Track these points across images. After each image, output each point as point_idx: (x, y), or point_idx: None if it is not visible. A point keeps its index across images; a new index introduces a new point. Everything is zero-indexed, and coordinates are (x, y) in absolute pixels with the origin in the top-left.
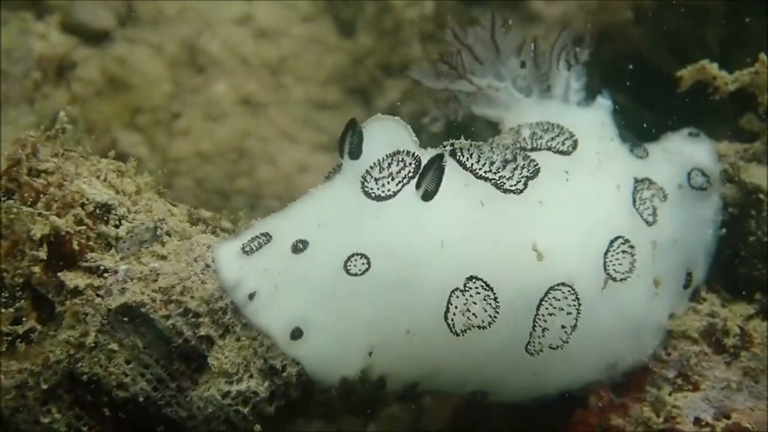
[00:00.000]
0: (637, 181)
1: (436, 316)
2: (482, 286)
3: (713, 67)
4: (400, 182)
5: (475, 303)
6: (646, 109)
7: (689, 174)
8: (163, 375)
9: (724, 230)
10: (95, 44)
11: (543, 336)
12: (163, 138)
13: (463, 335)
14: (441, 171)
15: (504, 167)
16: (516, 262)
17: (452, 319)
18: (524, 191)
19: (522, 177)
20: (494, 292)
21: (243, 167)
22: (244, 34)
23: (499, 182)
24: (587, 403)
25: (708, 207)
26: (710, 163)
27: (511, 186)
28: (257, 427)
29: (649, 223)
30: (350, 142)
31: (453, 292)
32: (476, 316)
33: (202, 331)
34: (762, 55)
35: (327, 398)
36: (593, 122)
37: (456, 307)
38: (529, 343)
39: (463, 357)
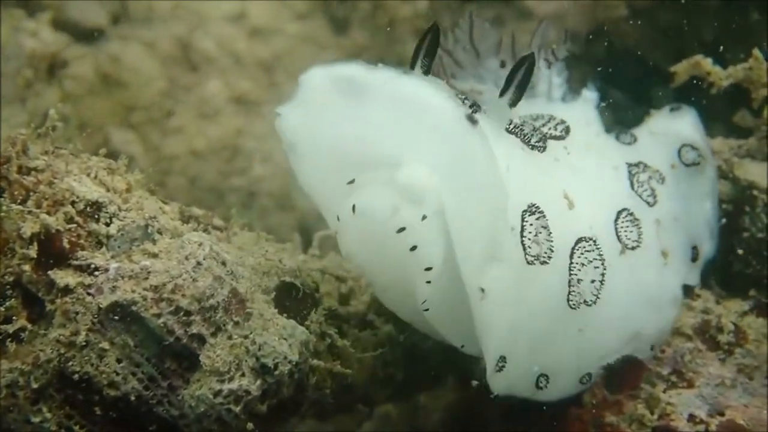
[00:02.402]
0: (630, 165)
1: None
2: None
3: (707, 63)
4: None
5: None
6: (641, 105)
7: (679, 151)
8: (155, 374)
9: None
10: (88, 42)
11: (578, 287)
12: (156, 136)
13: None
14: None
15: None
16: (552, 206)
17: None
18: (546, 149)
19: (541, 136)
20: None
21: (237, 165)
22: (238, 32)
23: (525, 138)
24: (582, 400)
25: (703, 181)
26: (697, 136)
27: (535, 143)
28: (249, 425)
29: (650, 204)
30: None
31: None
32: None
33: (194, 330)
34: (756, 51)
35: (320, 396)
36: (579, 117)
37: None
38: (569, 293)
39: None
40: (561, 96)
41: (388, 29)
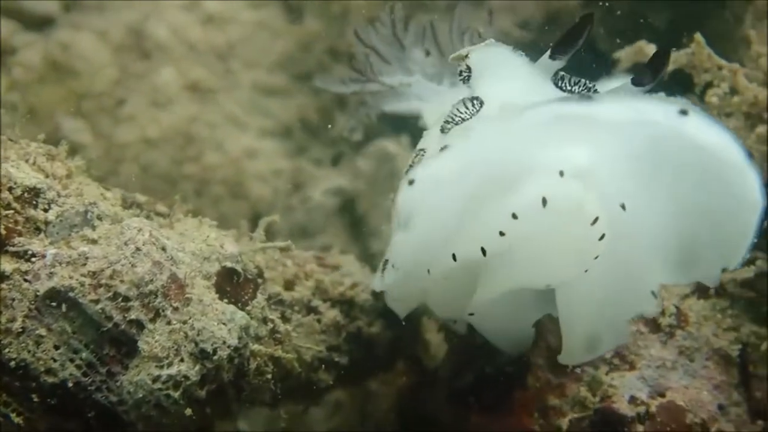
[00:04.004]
0: None
1: None
2: None
3: (651, 48)
4: None
5: None
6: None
7: None
8: (93, 360)
9: None
10: (38, 30)
11: None
12: (108, 124)
13: None
14: None
15: None
16: None
17: None
18: None
19: None
20: None
21: (190, 153)
22: (192, 19)
23: None
24: (526, 383)
25: None
26: None
27: None
28: (188, 411)
29: None
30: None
31: None
32: None
33: (132, 315)
34: (698, 36)
35: (263, 382)
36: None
37: None
38: None
39: None
40: None
41: (342, 17)
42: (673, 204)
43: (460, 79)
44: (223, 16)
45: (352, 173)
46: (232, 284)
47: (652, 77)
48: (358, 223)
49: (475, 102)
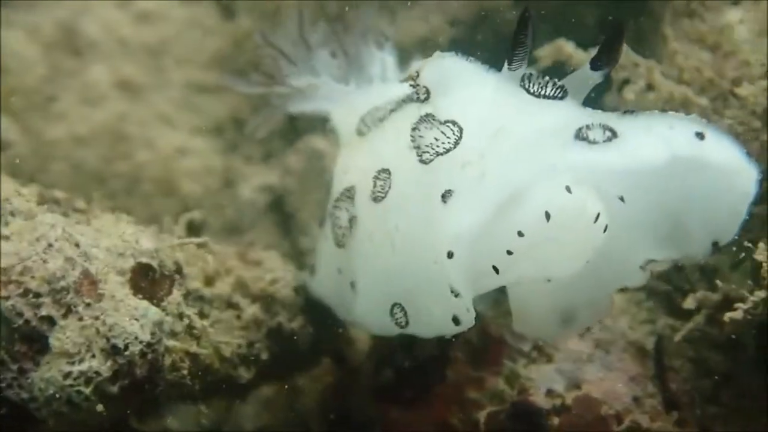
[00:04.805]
0: None
1: None
2: None
3: (569, 46)
4: None
5: None
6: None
7: None
8: (4, 357)
9: None
10: None
11: None
12: (37, 122)
13: None
14: None
15: None
16: None
17: None
18: None
19: None
20: None
21: (120, 151)
22: (124, 16)
23: None
24: (445, 377)
25: None
26: None
27: None
28: (100, 407)
29: None
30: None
31: None
32: None
33: (44, 312)
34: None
35: (179, 377)
36: None
37: None
38: None
39: None
40: (396, 76)
41: (275, 15)
42: (665, 191)
43: (417, 99)
44: (155, 13)
45: (282, 170)
46: (148, 280)
47: (610, 56)
48: (288, 220)
49: (452, 127)
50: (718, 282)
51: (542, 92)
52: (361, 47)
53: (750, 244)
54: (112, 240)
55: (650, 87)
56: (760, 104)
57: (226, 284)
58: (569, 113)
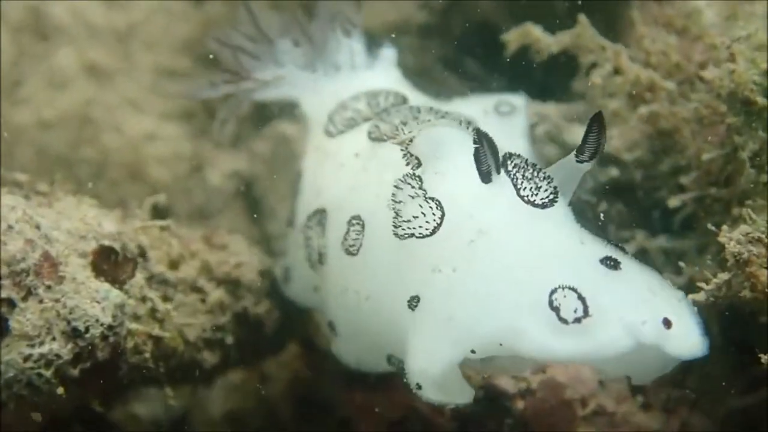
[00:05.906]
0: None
1: None
2: None
3: (536, 30)
4: None
5: None
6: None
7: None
8: None
9: None
10: None
11: None
12: (3, 106)
13: None
14: None
15: None
16: None
17: None
18: None
19: None
20: None
21: (87, 136)
22: (92, 0)
23: None
24: None
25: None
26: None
27: None
28: (60, 389)
29: None
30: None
31: None
32: None
33: (3, 294)
34: (582, 17)
35: (141, 361)
36: (386, 79)
37: None
38: None
39: None
40: (364, 63)
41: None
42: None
43: (407, 165)
44: None
45: (250, 155)
46: (110, 263)
47: (593, 151)
48: (256, 205)
49: (434, 210)
50: (681, 264)
51: (534, 199)
52: (327, 34)
53: (714, 228)
54: (74, 222)
55: (617, 71)
56: (725, 87)
57: (191, 268)
58: (554, 238)
